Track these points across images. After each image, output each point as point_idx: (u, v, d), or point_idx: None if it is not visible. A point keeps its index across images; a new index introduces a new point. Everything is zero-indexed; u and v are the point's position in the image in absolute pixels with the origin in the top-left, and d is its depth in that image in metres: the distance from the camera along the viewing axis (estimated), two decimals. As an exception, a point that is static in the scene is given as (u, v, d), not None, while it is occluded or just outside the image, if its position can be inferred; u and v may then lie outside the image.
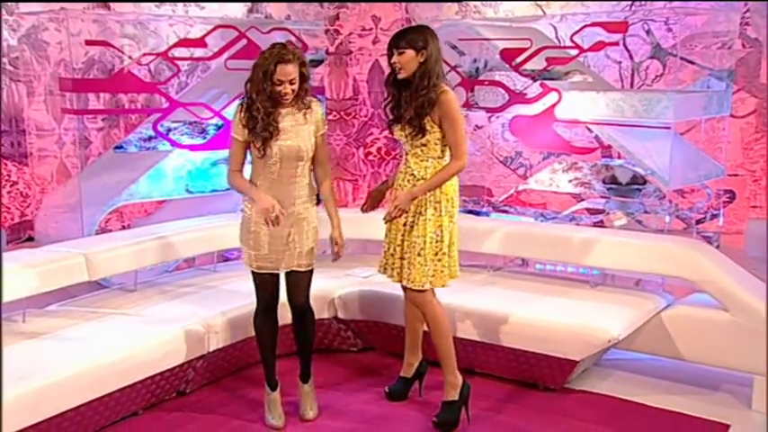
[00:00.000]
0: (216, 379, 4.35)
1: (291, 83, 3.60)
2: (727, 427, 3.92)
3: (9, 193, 6.87)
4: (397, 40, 3.70)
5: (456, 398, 3.86)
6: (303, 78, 3.67)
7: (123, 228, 6.46)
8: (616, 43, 5.66)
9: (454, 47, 6.07)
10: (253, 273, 3.82)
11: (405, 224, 3.77)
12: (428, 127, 3.65)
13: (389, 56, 3.77)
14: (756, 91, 7.13)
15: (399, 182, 3.86)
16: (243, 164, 3.77)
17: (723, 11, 6.33)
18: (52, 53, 6.84)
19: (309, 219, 3.78)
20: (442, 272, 3.80)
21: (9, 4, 6.41)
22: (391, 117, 3.84)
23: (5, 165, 6.71)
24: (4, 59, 6.53)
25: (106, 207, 5.41)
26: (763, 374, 4.01)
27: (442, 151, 3.75)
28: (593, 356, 4.31)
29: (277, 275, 3.82)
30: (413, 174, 3.79)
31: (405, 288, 3.91)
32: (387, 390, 4.15)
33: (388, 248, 3.89)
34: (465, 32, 6.06)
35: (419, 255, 3.73)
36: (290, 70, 3.57)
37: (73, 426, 3.58)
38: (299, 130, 3.69)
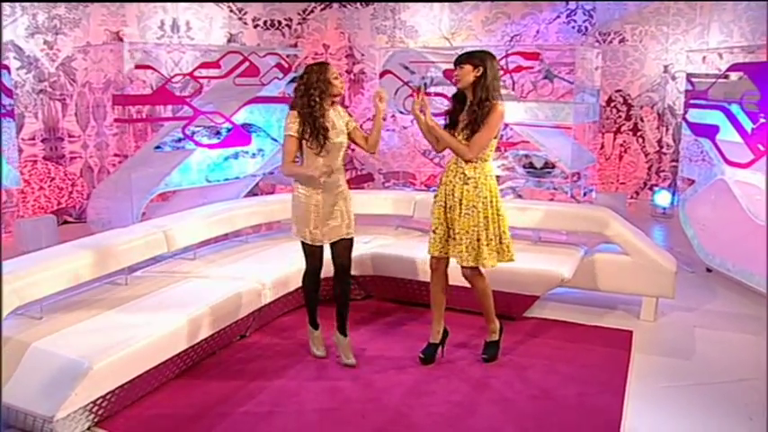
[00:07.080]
0: (265, 324, 4.32)
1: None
2: (632, 331, 4.27)
3: (49, 186, 6.55)
4: (460, 57, 3.50)
5: (497, 338, 3.87)
6: None
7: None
8: (531, 67, 5.97)
9: (406, 67, 6.21)
10: (305, 244, 3.70)
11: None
12: None
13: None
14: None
15: (450, 179, 3.62)
16: (295, 155, 3.60)
17: (568, 48, 6.86)
18: (79, 77, 6.55)
19: (348, 196, 3.73)
20: (500, 252, 3.66)
21: (49, 39, 6.16)
22: (447, 123, 3.63)
23: (46, 164, 6.39)
24: (45, 83, 6.29)
25: (149, 194, 5.22)
26: (647, 296, 4.42)
27: (487, 155, 3.57)
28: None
29: (322, 246, 3.72)
30: (464, 173, 3.56)
31: (442, 269, 3.74)
32: (422, 356, 3.79)
33: (462, 239, 3.58)
34: (414, 57, 6.22)
35: (492, 241, 3.59)
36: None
37: (181, 362, 3.58)
38: (339, 128, 3.62)
